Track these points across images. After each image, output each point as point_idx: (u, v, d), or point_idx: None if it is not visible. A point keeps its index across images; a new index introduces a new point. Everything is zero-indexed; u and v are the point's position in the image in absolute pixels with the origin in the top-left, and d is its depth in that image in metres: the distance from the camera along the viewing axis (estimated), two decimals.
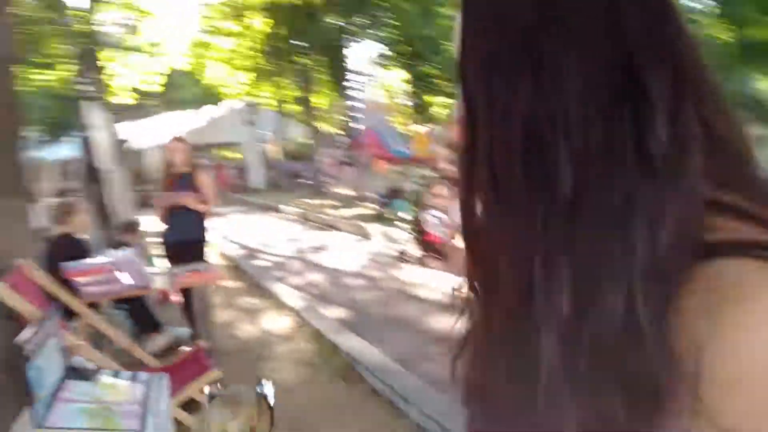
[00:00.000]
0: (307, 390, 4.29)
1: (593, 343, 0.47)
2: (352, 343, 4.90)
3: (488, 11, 0.54)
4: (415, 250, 8.29)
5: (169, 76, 18.19)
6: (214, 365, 3.69)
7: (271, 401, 1.57)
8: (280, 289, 6.90)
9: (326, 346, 5.04)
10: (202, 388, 3.82)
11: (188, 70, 24.57)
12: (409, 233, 8.30)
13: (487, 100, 0.53)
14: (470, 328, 0.67)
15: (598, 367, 0.47)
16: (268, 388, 1.59)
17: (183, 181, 5.04)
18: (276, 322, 5.98)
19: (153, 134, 20.39)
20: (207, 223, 5.22)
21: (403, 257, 8.47)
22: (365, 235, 11.09)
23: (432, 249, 8.03)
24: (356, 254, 9.48)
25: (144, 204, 10.67)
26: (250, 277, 7.75)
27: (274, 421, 1.56)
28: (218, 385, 1.57)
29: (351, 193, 16.31)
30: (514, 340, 0.53)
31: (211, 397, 1.56)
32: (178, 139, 5.22)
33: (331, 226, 12.72)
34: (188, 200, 4.93)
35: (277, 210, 16.47)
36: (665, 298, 0.46)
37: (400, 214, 11.68)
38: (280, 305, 6.48)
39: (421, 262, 8.02)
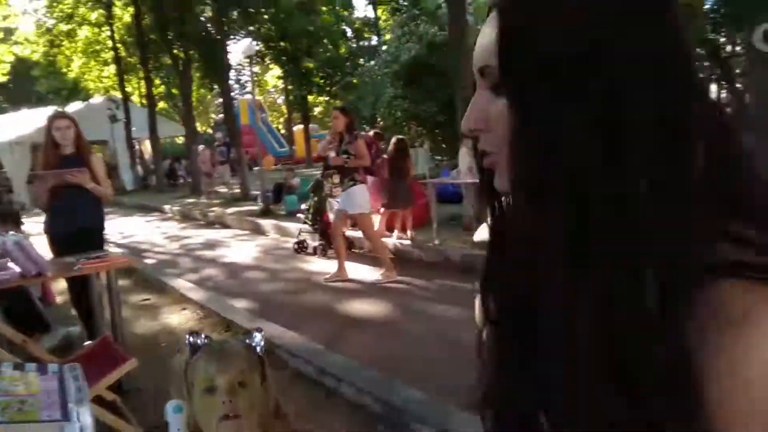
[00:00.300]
0: None
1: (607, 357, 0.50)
2: (268, 329, 4.68)
3: (555, 19, 0.53)
4: (314, 242, 8.16)
5: (20, 67, 16.54)
6: (126, 354, 3.36)
7: (262, 353, 1.42)
8: (178, 284, 6.47)
9: (240, 334, 4.79)
10: (118, 381, 3.47)
11: (42, 60, 22.55)
12: (308, 225, 8.12)
13: (551, 110, 0.53)
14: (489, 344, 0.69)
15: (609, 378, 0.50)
16: (259, 340, 1.43)
17: (69, 164, 4.30)
18: (179, 316, 5.60)
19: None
20: (103, 210, 4.62)
21: (301, 249, 8.30)
22: (256, 231, 10.75)
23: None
24: (250, 249, 9.17)
25: None
26: (141, 273, 7.21)
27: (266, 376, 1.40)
28: (202, 335, 1.39)
29: (234, 190, 15.76)
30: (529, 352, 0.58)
31: (194, 348, 1.37)
32: (62, 115, 4.53)
33: (219, 223, 12.21)
34: (82, 178, 4.22)
35: (157, 210, 15.53)
36: (672, 317, 0.48)
37: (291, 209, 11.54)
38: (179, 299, 6.08)
39: (321, 252, 7.90)
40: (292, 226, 9.65)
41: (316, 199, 7.94)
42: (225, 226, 11.92)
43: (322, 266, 7.29)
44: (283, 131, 33.11)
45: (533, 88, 0.54)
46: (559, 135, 0.52)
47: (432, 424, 2.96)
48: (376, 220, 8.34)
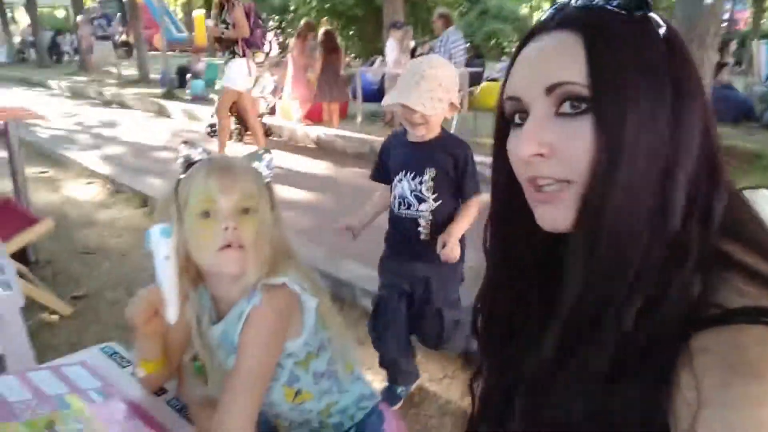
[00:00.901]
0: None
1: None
2: None
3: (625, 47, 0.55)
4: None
5: None
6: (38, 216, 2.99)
7: (269, 178, 1.18)
8: (80, 157, 5.90)
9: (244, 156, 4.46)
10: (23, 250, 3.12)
11: None
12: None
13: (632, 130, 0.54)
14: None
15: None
16: (268, 162, 1.18)
17: None
18: (86, 189, 5.13)
19: None
20: None
21: (215, 132, 7.79)
22: (161, 113, 10.00)
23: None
24: (156, 130, 8.51)
25: None
26: (34, 145, 6.49)
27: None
28: (199, 147, 1.14)
29: (127, 72, 14.48)
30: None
31: (188, 161, 1.11)
32: None
33: (117, 103, 11.22)
34: None
35: (41, 85, 13.99)
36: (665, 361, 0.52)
37: (197, 93, 10.79)
38: (83, 173, 5.57)
39: (237, 136, 7.47)
40: (201, 110, 9.07)
41: None
42: (124, 106, 10.98)
43: (239, 150, 6.90)
44: (180, 15, 30.63)
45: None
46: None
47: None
48: (295, 109, 8.01)
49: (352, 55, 14.87)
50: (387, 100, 1.93)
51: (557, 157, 0.57)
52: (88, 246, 3.90)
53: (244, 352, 1.04)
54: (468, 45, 9.02)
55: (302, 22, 8.86)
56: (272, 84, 8.10)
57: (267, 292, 1.05)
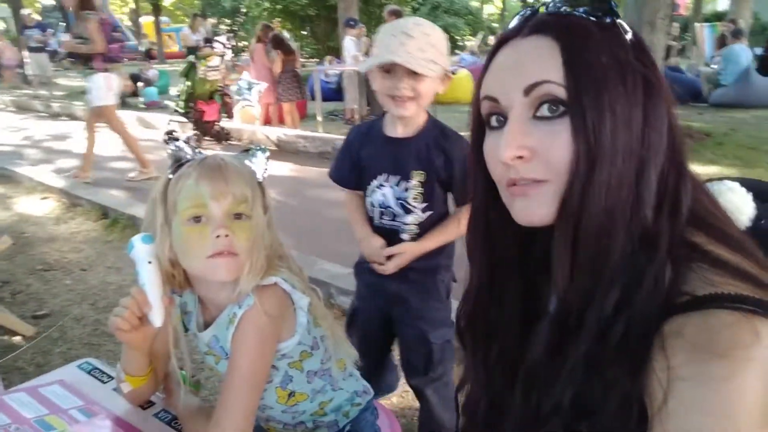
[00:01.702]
0: (127, 267, 3.66)
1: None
2: None
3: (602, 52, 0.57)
4: (186, 132, 7.52)
5: None
6: None
7: (263, 178, 1.11)
8: (32, 172, 5.69)
9: (120, 221, 4.34)
10: None
11: None
12: (178, 114, 7.44)
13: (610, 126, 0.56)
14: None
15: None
16: (263, 160, 1.12)
17: None
18: (42, 205, 4.94)
19: None
20: None
21: (172, 139, 7.61)
22: None
23: (208, 129, 7.40)
24: (110, 140, 8.24)
25: None
26: None
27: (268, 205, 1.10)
28: (190, 142, 1.09)
29: (80, 83, 14.02)
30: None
31: (178, 160, 1.06)
32: None
33: (67, 115, 10.87)
34: None
35: None
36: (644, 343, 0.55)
37: (150, 101, 10.57)
38: (36, 188, 5.37)
39: (195, 142, 7.30)
40: (154, 118, 8.87)
41: (188, 84, 7.23)
42: (74, 118, 10.62)
43: None
44: (128, 23, 29.94)
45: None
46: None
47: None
48: (257, 113, 7.91)
49: (306, 56, 14.75)
50: (367, 64, 1.51)
51: (537, 160, 0.59)
52: (47, 263, 3.75)
53: (239, 356, 1.00)
54: None
55: (260, 25, 8.74)
56: (257, 89, 7.90)
57: (259, 294, 1.01)
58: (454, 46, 22.09)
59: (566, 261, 0.60)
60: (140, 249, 1.02)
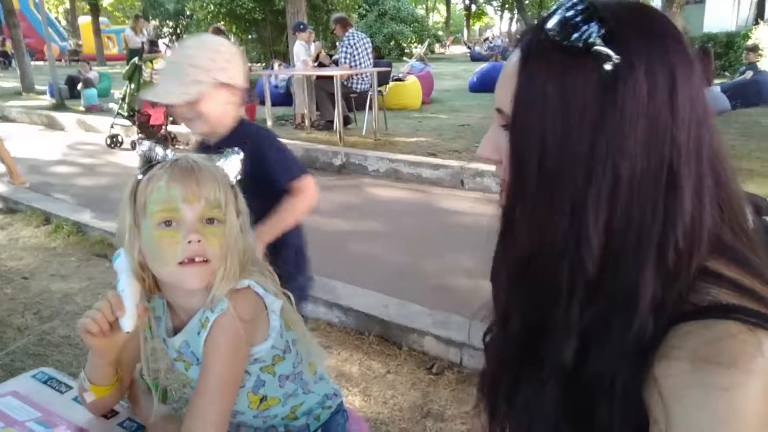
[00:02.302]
0: (72, 274, 3.52)
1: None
2: (105, 223, 4.11)
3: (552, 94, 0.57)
4: (131, 136, 7.30)
5: None
6: None
7: (236, 180, 1.08)
8: None
9: (65, 227, 4.17)
10: None
11: None
12: (122, 117, 7.20)
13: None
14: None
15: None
16: (236, 161, 1.09)
17: None
18: None
19: None
20: None
21: (115, 143, 7.40)
22: (52, 126, 9.35)
23: (154, 133, 7.19)
24: (50, 144, 7.93)
25: None
26: None
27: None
28: (159, 147, 1.04)
29: (13, 83, 13.44)
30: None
31: (149, 160, 1.02)
32: None
33: (0, 117, 10.37)
34: None
35: None
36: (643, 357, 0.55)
37: (90, 104, 10.20)
38: None
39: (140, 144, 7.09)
40: (97, 121, 8.57)
41: (132, 86, 7.02)
42: (8, 120, 10.16)
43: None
44: (63, 23, 28.89)
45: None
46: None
47: (318, 301, 2.87)
48: None
49: (252, 60, 14.57)
50: (145, 98, 1.59)
51: (503, 165, 0.64)
52: None
53: (211, 361, 0.98)
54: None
55: (211, 28, 8.56)
56: None
57: (232, 298, 0.99)
58: (401, 53, 22.28)
59: (500, 275, 0.66)
60: (125, 259, 1.00)
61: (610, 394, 0.57)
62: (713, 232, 0.58)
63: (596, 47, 0.54)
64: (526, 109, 0.58)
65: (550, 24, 0.58)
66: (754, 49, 9.64)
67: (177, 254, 0.95)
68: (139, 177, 1.00)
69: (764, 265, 0.59)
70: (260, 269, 1.09)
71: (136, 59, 7.04)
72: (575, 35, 0.55)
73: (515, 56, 0.61)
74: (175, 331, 1.07)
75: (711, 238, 0.57)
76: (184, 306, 1.04)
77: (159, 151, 1.03)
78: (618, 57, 0.54)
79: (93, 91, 10.62)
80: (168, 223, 0.96)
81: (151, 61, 6.93)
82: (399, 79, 9.86)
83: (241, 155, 1.09)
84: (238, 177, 1.08)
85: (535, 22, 0.62)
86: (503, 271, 0.64)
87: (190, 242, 0.95)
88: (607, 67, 0.54)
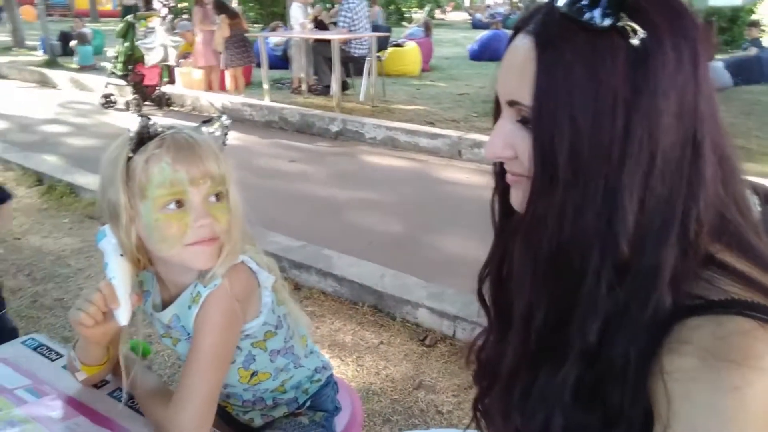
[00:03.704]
0: (65, 236, 3.49)
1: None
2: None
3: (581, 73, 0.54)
4: (125, 96, 7.19)
5: None
6: None
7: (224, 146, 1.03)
8: None
9: (57, 188, 4.13)
10: None
11: None
12: (116, 76, 7.08)
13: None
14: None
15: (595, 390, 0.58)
16: (224, 127, 1.03)
17: None
18: None
19: None
20: None
21: (109, 103, 7.29)
22: (44, 83, 9.20)
23: (148, 93, 7.10)
24: (42, 102, 7.82)
25: None
26: None
27: None
28: (151, 120, 0.98)
29: (3, 37, 13.19)
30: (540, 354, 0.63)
31: (142, 137, 0.95)
32: None
33: None
34: None
35: None
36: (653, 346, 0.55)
37: (86, 63, 10.04)
38: None
39: (135, 107, 7.00)
40: (91, 80, 8.44)
41: (126, 44, 6.87)
42: (0, 76, 10.00)
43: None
44: None
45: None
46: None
47: (311, 270, 2.86)
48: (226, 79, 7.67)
49: (251, 21, 14.31)
50: None
51: (519, 159, 0.61)
52: None
53: (202, 336, 0.96)
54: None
55: None
56: (173, 50, 7.55)
57: (227, 274, 0.97)
58: (401, 19, 21.93)
59: (525, 271, 0.62)
60: (111, 240, 0.95)
61: (623, 379, 0.56)
62: (718, 209, 0.57)
63: (622, 22, 0.52)
64: (552, 98, 0.55)
65: (562, 2, 0.55)
66: (755, 24, 9.54)
67: (185, 237, 0.92)
68: (130, 155, 0.93)
69: (763, 246, 0.59)
70: (252, 244, 1.07)
71: (130, 17, 6.89)
72: (597, 11, 0.53)
73: (525, 42, 0.57)
74: (164, 305, 1.05)
75: (716, 215, 0.57)
76: (176, 281, 1.02)
77: (155, 126, 0.96)
78: (644, 32, 0.52)
79: (89, 49, 10.43)
80: (179, 203, 0.92)
81: (146, 19, 6.75)
82: (398, 45, 9.72)
83: (229, 122, 1.04)
84: (226, 141, 1.04)
85: (541, 1, 0.58)
86: (528, 269, 0.62)
87: (201, 227, 0.92)
88: (635, 42, 0.52)
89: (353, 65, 7.54)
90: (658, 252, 0.55)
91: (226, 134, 1.04)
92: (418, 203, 4.20)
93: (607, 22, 0.53)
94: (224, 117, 1.05)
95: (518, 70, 0.58)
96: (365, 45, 7.34)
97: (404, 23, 19.55)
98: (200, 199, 0.92)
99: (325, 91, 7.55)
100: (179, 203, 0.92)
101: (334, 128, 6.06)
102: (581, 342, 0.57)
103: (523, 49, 0.58)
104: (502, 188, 0.71)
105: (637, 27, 0.52)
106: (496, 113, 0.65)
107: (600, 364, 0.57)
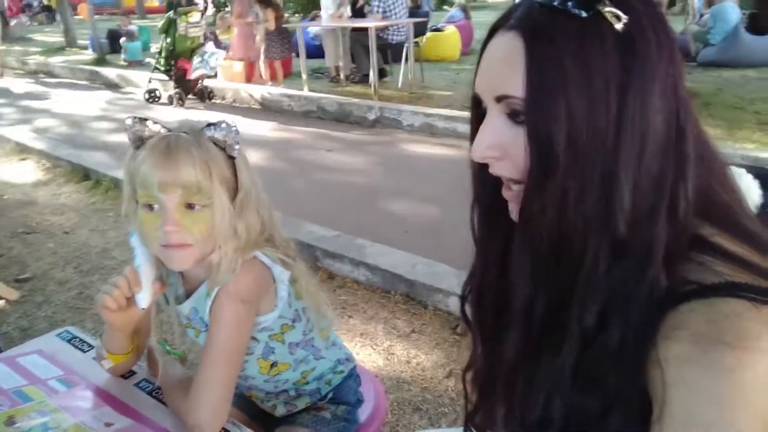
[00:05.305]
0: (110, 229, 3.63)
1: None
2: None
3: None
4: (168, 90, 7.36)
5: None
6: None
7: (233, 151, 1.01)
8: (9, 133, 5.56)
9: (103, 183, 4.27)
10: None
11: None
12: (159, 71, 7.26)
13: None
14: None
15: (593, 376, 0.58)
16: (228, 132, 0.99)
17: None
18: (19, 167, 4.85)
19: None
20: None
21: (153, 98, 7.49)
22: (94, 80, 9.52)
23: (191, 87, 7.25)
24: (91, 99, 8.09)
25: None
26: None
27: None
28: (150, 121, 0.98)
29: (52, 38, 13.66)
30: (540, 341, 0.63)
31: (138, 138, 0.97)
32: None
33: (44, 73, 10.61)
34: None
35: None
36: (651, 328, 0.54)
37: (133, 58, 10.31)
38: (14, 150, 5.26)
39: (177, 101, 7.16)
40: (137, 76, 8.67)
41: (168, 40, 7.02)
42: (53, 75, 10.38)
43: (181, 116, 6.64)
44: None
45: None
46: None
47: (344, 259, 2.89)
48: (261, 69, 7.78)
49: (291, 11, 14.40)
50: None
51: (508, 160, 0.60)
52: (28, 226, 3.70)
53: (216, 329, 0.99)
54: None
55: None
56: (221, 54, 7.62)
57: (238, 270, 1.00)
58: (443, 2, 21.65)
59: (525, 265, 0.61)
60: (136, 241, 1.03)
61: (621, 364, 0.56)
62: (703, 188, 0.58)
63: (606, 8, 0.53)
64: (545, 87, 0.55)
65: None
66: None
67: (159, 238, 0.96)
68: (131, 158, 0.98)
69: (752, 224, 0.59)
70: (274, 242, 1.08)
71: (171, 12, 7.02)
72: (577, 3, 0.54)
73: (508, 37, 0.57)
74: (187, 297, 1.09)
75: (702, 193, 0.58)
76: (194, 275, 1.06)
77: (153, 127, 0.98)
78: (626, 17, 0.53)
79: (136, 45, 10.70)
80: (150, 207, 0.96)
81: (186, 15, 6.87)
82: (437, 29, 9.61)
83: (234, 127, 1.00)
84: (237, 148, 1.02)
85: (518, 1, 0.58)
86: (527, 263, 0.62)
87: (167, 232, 0.94)
88: (618, 27, 0.53)
89: (391, 52, 7.51)
90: (651, 229, 0.56)
91: (236, 140, 1.01)
92: (454, 191, 4.15)
93: (591, 10, 0.53)
94: (231, 122, 1.02)
95: (505, 64, 0.58)
96: (402, 31, 7.29)
97: (445, 7, 19.31)
98: (173, 206, 0.94)
99: (364, 79, 7.55)
100: (154, 206, 0.95)
101: (372, 116, 6.06)
102: (580, 325, 0.58)
103: (506, 43, 0.58)
104: (484, 195, 0.70)
105: (620, 13, 0.53)
106: (475, 116, 0.65)
107: (598, 347, 0.58)
